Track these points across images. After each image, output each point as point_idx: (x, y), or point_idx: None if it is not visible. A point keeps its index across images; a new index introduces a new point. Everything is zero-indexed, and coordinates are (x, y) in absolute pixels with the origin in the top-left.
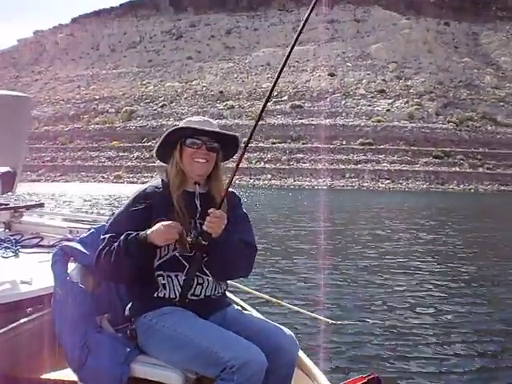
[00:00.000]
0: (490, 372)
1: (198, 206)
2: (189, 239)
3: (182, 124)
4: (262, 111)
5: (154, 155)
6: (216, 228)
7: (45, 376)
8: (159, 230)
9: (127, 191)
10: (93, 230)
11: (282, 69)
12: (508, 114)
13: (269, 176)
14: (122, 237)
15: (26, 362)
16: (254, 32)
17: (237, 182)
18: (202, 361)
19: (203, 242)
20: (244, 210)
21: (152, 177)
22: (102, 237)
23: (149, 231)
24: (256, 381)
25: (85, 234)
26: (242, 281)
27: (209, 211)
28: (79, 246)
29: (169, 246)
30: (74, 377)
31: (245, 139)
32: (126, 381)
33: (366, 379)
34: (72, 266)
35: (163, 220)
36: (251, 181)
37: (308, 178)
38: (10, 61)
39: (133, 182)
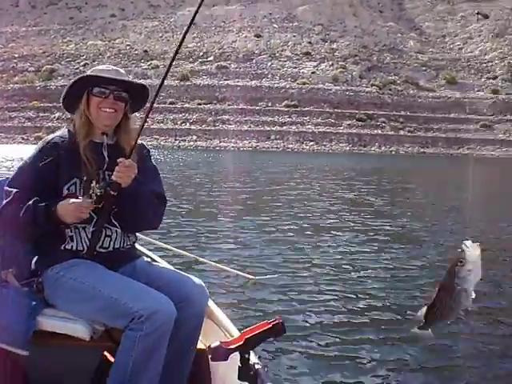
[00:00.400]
0: (401, 323)
1: (106, 156)
2: (97, 190)
3: (88, 72)
4: (168, 70)
5: (61, 105)
6: (125, 178)
7: None
8: (68, 209)
9: None
10: None
11: (187, 31)
12: (430, 79)
13: (194, 137)
14: (31, 204)
15: None
16: None
17: (162, 143)
18: (110, 312)
19: (112, 193)
20: (153, 163)
21: (54, 133)
22: (5, 188)
23: (59, 206)
24: (165, 330)
25: None
26: (161, 239)
27: (118, 160)
28: None
29: (77, 197)
30: None
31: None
32: (33, 334)
33: (271, 324)
34: None
35: (69, 175)
36: (176, 142)
37: (233, 140)
38: None
39: None
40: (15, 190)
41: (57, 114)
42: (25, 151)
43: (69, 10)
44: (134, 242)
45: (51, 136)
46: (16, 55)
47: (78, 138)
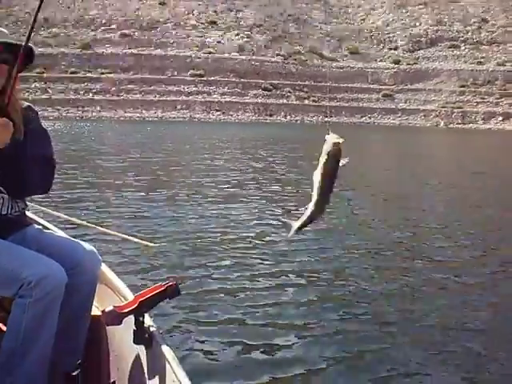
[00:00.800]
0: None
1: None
2: None
3: None
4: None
5: None
6: (1, 137)
7: None
8: None
9: None
10: None
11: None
12: (333, 49)
13: (98, 108)
14: None
15: None
16: None
17: (63, 114)
18: None
19: None
20: (43, 125)
21: None
22: None
23: None
24: (56, 296)
25: None
26: (62, 208)
27: None
28: None
29: None
30: None
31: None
32: None
33: (165, 286)
34: None
35: None
36: (79, 113)
37: (139, 110)
38: None
39: None
40: None
41: None
42: None
43: None
44: (24, 209)
45: None
46: None
47: None
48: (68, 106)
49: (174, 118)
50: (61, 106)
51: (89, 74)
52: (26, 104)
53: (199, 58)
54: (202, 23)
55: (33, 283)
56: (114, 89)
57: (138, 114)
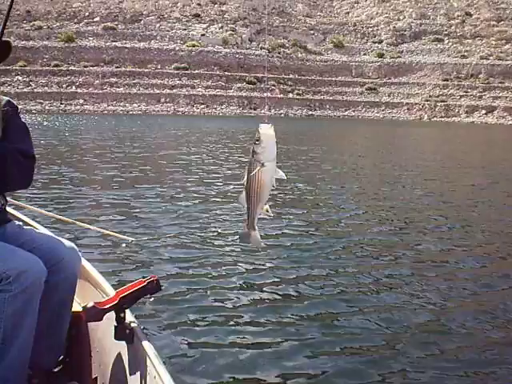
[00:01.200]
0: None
1: None
2: None
3: None
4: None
5: None
6: None
7: None
8: None
9: None
10: None
11: None
12: (317, 42)
13: (81, 101)
14: None
15: None
16: None
17: (46, 107)
18: None
19: None
20: (23, 120)
21: None
22: None
23: None
24: (35, 290)
25: None
26: (43, 205)
27: None
28: None
29: None
30: None
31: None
32: None
33: (146, 282)
34: None
35: None
36: (62, 106)
37: (122, 103)
38: None
39: None
40: None
41: None
42: None
43: None
44: (3, 205)
45: None
46: None
47: None
48: (51, 99)
49: (158, 111)
50: (43, 99)
51: (72, 68)
52: (6, 99)
53: (183, 51)
54: (185, 16)
55: (11, 277)
56: (97, 82)
57: (121, 108)
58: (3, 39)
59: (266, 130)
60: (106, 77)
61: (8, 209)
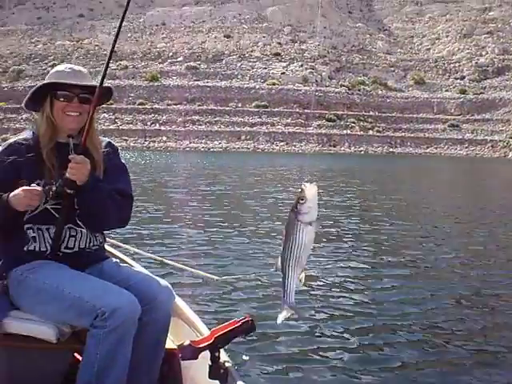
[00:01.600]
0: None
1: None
2: (53, 188)
3: (51, 74)
4: (107, 67)
5: (23, 107)
6: (79, 174)
7: None
8: (19, 196)
9: None
10: None
11: (120, 26)
12: (398, 79)
13: (164, 138)
14: None
15: None
16: None
17: (131, 144)
18: (74, 311)
19: (68, 191)
20: (122, 161)
21: (18, 136)
22: None
23: (11, 195)
24: (129, 326)
25: None
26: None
27: (69, 157)
28: None
29: (29, 185)
30: None
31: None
32: None
33: (241, 322)
34: None
35: (32, 179)
36: (146, 143)
37: (204, 140)
38: None
39: None
40: None
41: (24, 116)
42: None
43: (37, 9)
44: (102, 243)
45: (14, 138)
46: None
47: (42, 141)
48: (135, 136)
49: (238, 148)
50: (128, 136)
51: (156, 106)
52: (106, 140)
53: (263, 89)
54: (266, 55)
55: (106, 314)
56: (180, 120)
57: (203, 145)
58: (105, 85)
59: (311, 189)
60: (189, 115)
61: (106, 246)
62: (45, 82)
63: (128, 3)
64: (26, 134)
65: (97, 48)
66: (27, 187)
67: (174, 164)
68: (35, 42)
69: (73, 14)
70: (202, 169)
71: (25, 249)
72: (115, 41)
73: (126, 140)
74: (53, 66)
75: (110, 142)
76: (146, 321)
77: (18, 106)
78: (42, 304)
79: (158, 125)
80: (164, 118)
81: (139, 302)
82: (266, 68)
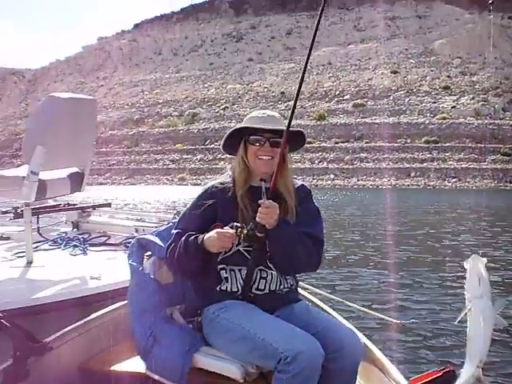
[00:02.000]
0: None
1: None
2: (245, 231)
3: (246, 119)
4: (294, 106)
5: (221, 149)
6: (268, 219)
7: (116, 368)
8: (213, 238)
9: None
10: (170, 223)
11: (305, 69)
12: None
13: (332, 176)
14: (184, 237)
15: (99, 354)
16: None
17: (299, 182)
18: (258, 353)
19: (258, 234)
20: (315, 204)
21: (216, 179)
22: (172, 231)
23: (205, 237)
24: (312, 372)
25: (163, 228)
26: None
27: (259, 202)
28: (155, 239)
29: (222, 228)
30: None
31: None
32: (188, 371)
33: (441, 372)
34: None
35: (226, 221)
36: (314, 181)
37: (372, 178)
38: (75, 67)
39: (196, 184)
40: (176, 231)
41: (199, 156)
42: (169, 192)
43: (208, 56)
44: (293, 286)
45: (212, 182)
46: (160, 101)
47: (237, 185)
48: (303, 174)
49: (408, 185)
50: (296, 174)
51: (323, 144)
52: (300, 183)
53: (433, 124)
54: (435, 89)
55: (289, 358)
56: (347, 157)
57: (371, 182)
58: (296, 129)
59: (477, 264)
60: (356, 152)
61: (299, 289)
62: (237, 126)
63: (311, 48)
64: (223, 178)
65: (266, 90)
66: (220, 230)
67: (344, 202)
68: (208, 87)
69: (242, 58)
70: (373, 207)
71: (218, 288)
72: (300, 84)
73: (295, 178)
74: (224, 108)
75: (302, 185)
76: (333, 368)
77: (193, 147)
78: (229, 343)
79: (325, 163)
80: (331, 156)
81: (325, 350)
82: (435, 102)
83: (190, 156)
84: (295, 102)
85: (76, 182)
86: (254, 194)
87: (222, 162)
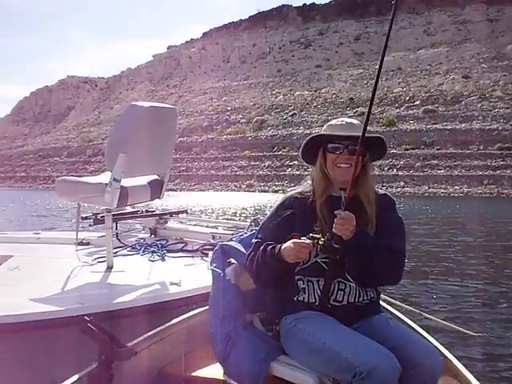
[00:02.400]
0: None
1: (344, 210)
2: (321, 242)
3: (324, 127)
4: (369, 114)
5: (301, 159)
6: (344, 230)
7: (196, 373)
8: (289, 248)
9: (263, 200)
10: (254, 231)
11: (378, 76)
12: None
13: (402, 183)
14: (262, 247)
15: (179, 359)
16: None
17: (382, 191)
18: (333, 366)
19: (334, 245)
20: (398, 215)
21: (283, 185)
22: (252, 241)
23: (282, 247)
24: None
25: (246, 235)
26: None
27: (335, 212)
28: (238, 246)
29: (299, 238)
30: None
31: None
32: (265, 378)
33: None
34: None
35: (304, 231)
36: (383, 188)
37: (443, 185)
38: (146, 75)
39: (264, 191)
40: (256, 240)
41: (267, 163)
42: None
43: (276, 63)
44: (373, 298)
45: (291, 192)
46: (228, 108)
47: (316, 194)
48: (373, 181)
49: (481, 193)
50: None
51: (393, 151)
52: (382, 192)
53: (507, 130)
54: (508, 94)
55: (364, 374)
56: (418, 164)
57: (442, 190)
58: (375, 135)
59: None
60: (427, 159)
61: (381, 302)
62: (314, 135)
63: (384, 53)
64: (302, 187)
65: (334, 96)
66: (297, 240)
67: (416, 210)
68: (276, 94)
69: (310, 64)
70: (445, 215)
71: (295, 299)
72: (374, 90)
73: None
74: (293, 115)
75: (385, 195)
76: None
77: (261, 154)
78: (305, 353)
79: (395, 170)
80: (401, 162)
81: (403, 364)
82: (508, 108)
83: (257, 163)
84: (370, 109)
85: (156, 189)
86: (333, 204)
87: (290, 169)
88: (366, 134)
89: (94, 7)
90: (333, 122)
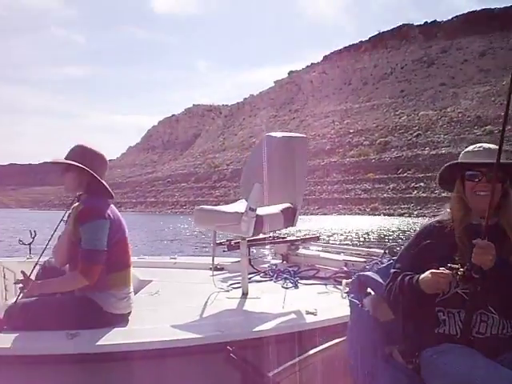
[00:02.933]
0: None
1: (485, 239)
2: (460, 272)
3: (461, 155)
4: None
5: (438, 186)
6: (483, 259)
7: None
8: (428, 279)
9: (388, 224)
10: (390, 260)
11: (510, 92)
12: None
13: None
14: (400, 277)
15: None
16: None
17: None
18: None
19: (474, 275)
20: None
21: (409, 208)
22: (390, 271)
23: (421, 277)
24: None
25: (383, 265)
26: None
27: (473, 242)
28: (375, 276)
29: (450, 282)
30: None
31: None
32: None
33: None
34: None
35: (443, 261)
36: None
37: None
38: (268, 101)
39: (389, 214)
40: (394, 270)
41: (391, 185)
42: (363, 222)
43: (399, 83)
44: None
45: (430, 221)
46: (351, 130)
47: (454, 222)
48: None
49: None
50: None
51: None
52: None
53: None
54: None
55: None
56: None
57: None
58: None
59: None
60: None
61: None
62: (451, 162)
63: None
64: (441, 216)
65: (460, 115)
66: (436, 270)
67: None
68: (399, 114)
69: (434, 83)
70: None
71: (436, 331)
72: (507, 109)
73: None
74: (417, 136)
75: None
76: None
77: (386, 176)
78: None
79: None
80: None
81: None
82: None
83: (382, 185)
84: (503, 131)
85: (289, 216)
86: (473, 233)
87: (416, 191)
88: (502, 161)
89: (219, 39)
90: (470, 148)
